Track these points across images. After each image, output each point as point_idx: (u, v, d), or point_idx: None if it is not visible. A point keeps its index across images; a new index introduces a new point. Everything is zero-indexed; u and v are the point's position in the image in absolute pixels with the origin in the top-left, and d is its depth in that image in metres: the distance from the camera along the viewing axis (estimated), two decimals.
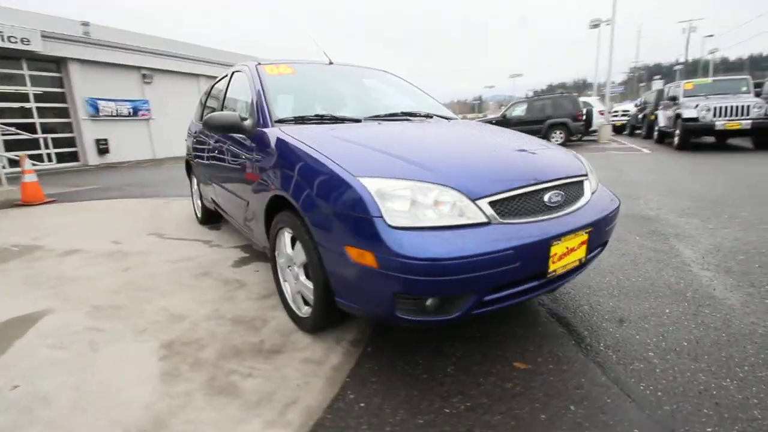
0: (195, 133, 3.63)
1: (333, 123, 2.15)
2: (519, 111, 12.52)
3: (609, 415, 1.29)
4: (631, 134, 15.14)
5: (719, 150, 8.70)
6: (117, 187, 7.36)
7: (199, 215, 4.01)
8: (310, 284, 1.73)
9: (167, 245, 3.36)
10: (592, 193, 1.80)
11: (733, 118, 8.23)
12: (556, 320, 1.91)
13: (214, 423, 1.33)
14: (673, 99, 10.00)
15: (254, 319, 2.02)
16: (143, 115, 15.36)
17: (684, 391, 1.39)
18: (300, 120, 2.16)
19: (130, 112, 14.86)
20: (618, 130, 16.79)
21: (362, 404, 1.40)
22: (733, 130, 8.21)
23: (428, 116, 2.53)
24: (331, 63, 2.91)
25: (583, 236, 1.59)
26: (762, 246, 2.72)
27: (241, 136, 2.31)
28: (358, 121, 2.23)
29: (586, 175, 1.83)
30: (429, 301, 1.37)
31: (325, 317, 1.72)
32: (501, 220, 1.42)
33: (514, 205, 1.49)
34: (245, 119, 2.26)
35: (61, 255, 3.19)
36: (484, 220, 1.40)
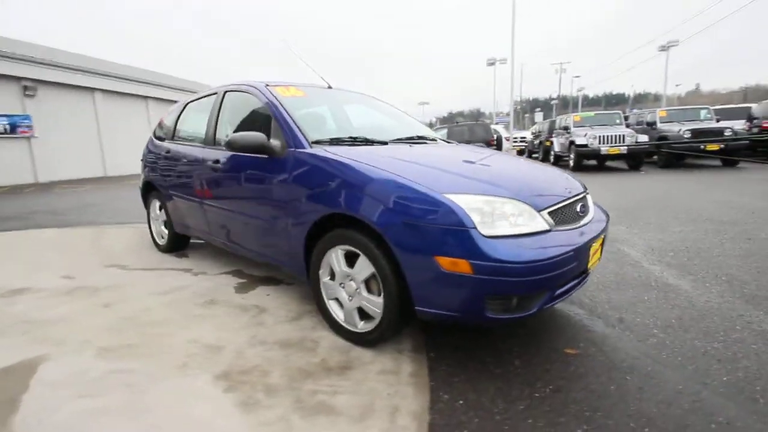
0: (164, 154, 3.36)
1: (365, 145, 2.26)
2: (440, 135, 13.58)
3: (656, 378, 1.61)
4: (529, 157, 17.42)
5: (602, 170, 10.51)
6: (18, 215, 6.19)
7: (162, 242, 3.66)
8: (376, 298, 1.80)
9: (139, 277, 3.02)
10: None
11: (613, 144, 10.09)
12: (572, 313, 2.23)
13: None
14: (566, 128, 11.92)
15: (302, 341, 1.99)
16: (23, 132, 13.14)
17: (693, 355, 1.78)
18: (336, 141, 2.22)
19: (6, 129, 12.59)
20: (518, 153, 19.18)
21: (460, 401, 1.52)
22: (614, 154, 10.07)
23: (434, 140, 2.77)
24: (330, 87, 3.00)
25: (601, 239, 1.95)
26: (680, 244, 3.47)
27: (263, 156, 2.27)
28: (385, 143, 2.37)
29: (587, 190, 2.22)
30: (514, 300, 1.56)
31: (394, 328, 1.79)
32: (557, 228, 1.69)
33: (561, 215, 1.77)
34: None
35: (5, 296, 2.67)
36: (547, 228, 1.65)
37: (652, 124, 11.65)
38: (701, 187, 6.72)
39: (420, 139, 2.63)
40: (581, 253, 1.70)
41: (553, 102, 53.58)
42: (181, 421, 1.44)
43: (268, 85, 2.58)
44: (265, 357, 1.85)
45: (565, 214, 1.80)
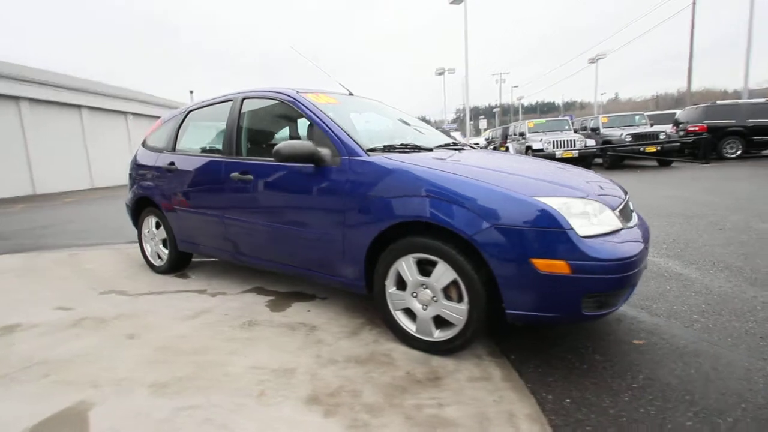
0: (165, 166, 3.08)
1: (416, 151, 2.25)
2: None
3: (723, 359, 1.74)
4: None
5: None
6: None
7: (159, 263, 3.34)
8: (457, 305, 1.78)
9: (148, 302, 2.73)
10: None
11: (566, 148, 10.87)
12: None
13: None
14: (522, 134, 12.65)
15: (372, 356, 1.91)
16: None
17: (738, 335, 1.95)
18: (389, 148, 2.19)
19: None
20: None
21: (567, 400, 1.54)
22: (567, 157, 10.83)
23: (464, 146, 2.81)
24: (351, 94, 2.95)
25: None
26: (667, 237, 3.80)
27: (307, 166, 2.18)
28: (431, 149, 2.37)
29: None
30: (606, 297, 1.62)
31: (479, 333, 1.78)
32: (625, 226, 1.79)
33: (624, 214, 1.88)
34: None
35: None
36: (620, 226, 1.75)
37: (595, 129, 12.71)
38: (647, 186, 7.43)
39: (454, 146, 2.67)
40: (646, 249, 1.81)
41: (495, 110, 56.64)
42: None
43: (299, 92, 2.48)
44: (344, 376, 1.75)
45: (625, 213, 1.92)
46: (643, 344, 1.91)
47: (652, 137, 11.05)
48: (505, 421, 1.44)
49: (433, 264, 1.83)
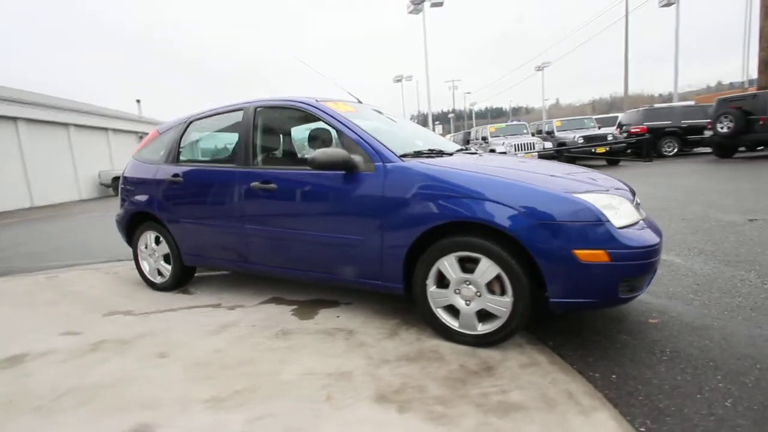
0: (169, 178, 2.97)
1: (440, 156, 2.36)
2: None
3: (726, 330, 1.99)
4: None
5: None
6: None
7: (161, 280, 3.20)
8: (501, 298, 1.91)
9: (162, 320, 2.62)
10: None
11: (527, 150, 11.52)
12: None
13: (559, 425, 1.41)
14: (484, 138, 13.24)
15: (421, 353, 1.99)
16: None
17: (732, 308, 2.22)
18: (418, 154, 2.28)
19: None
20: None
21: (613, 376, 1.71)
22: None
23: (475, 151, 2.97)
24: (360, 102, 3.02)
25: None
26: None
27: (338, 173, 2.23)
28: (451, 154, 2.50)
29: None
30: (636, 282, 1.81)
31: (523, 323, 1.92)
32: (641, 217, 2.01)
33: (636, 207, 2.11)
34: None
35: (3, 366, 2.11)
36: (639, 218, 1.96)
37: (550, 133, 13.57)
38: None
39: (467, 150, 2.81)
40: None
41: (449, 116, 58.53)
42: None
43: (318, 101, 2.52)
44: (402, 374, 1.82)
45: (637, 206, 2.14)
46: (658, 323, 2.14)
47: (601, 139, 11.98)
48: (567, 399, 1.58)
49: (474, 261, 1.95)
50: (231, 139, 2.88)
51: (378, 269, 2.20)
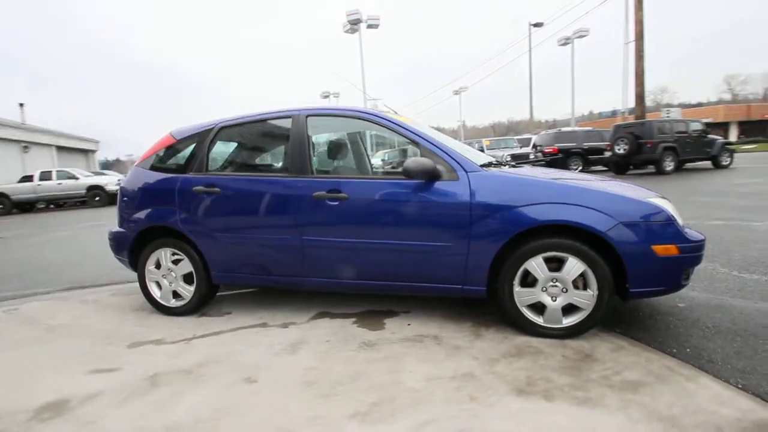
0: (202, 189, 2.68)
1: (504, 167, 2.56)
2: None
3: (737, 306, 2.48)
4: None
5: None
6: None
7: (180, 303, 2.84)
8: (584, 293, 2.14)
9: (212, 346, 2.36)
10: None
11: (520, 162, 12.54)
12: None
13: (682, 392, 1.64)
14: (482, 149, 14.10)
15: (520, 350, 2.12)
16: None
17: (727, 289, 2.76)
18: (488, 165, 2.44)
19: None
20: None
21: (687, 350, 2.02)
22: None
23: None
24: (396, 113, 3.09)
25: None
26: None
27: (416, 182, 2.29)
28: (505, 165, 2.71)
29: None
30: (691, 270, 2.19)
31: (606, 314, 2.16)
32: None
33: None
34: None
35: (46, 418, 1.71)
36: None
37: (482, 150, 14.87)
38: None
39: (509, 162, 3.06)
40: None
41: (373, 133, 60.20)
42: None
43: (383, 113, 2.56)
44: (520, 369, 1.92)
45: None
46: (685, 306, 2.57)
47: (524, 157, 13.50)
48: (670, 372, 1.84)
49: (557, 260, 2.16)
50: (274, 148, 2.74)
51: (461, 274, 2.30)
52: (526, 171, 2.46)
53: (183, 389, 1.89)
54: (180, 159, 2.90)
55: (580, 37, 21.18)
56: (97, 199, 15.66)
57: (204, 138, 2.84)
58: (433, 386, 1.82)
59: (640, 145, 11.77)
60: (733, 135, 32.37)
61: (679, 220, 2.18)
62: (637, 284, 2.10)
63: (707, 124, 14.10)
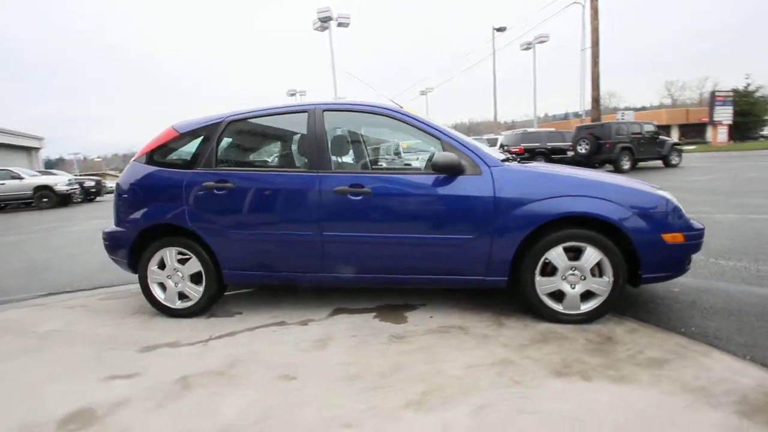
0: (212, 184, 2.57)
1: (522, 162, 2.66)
2: None
3: (722, 289, 2.72)
4: None
5: None
6: None
7: (186, 304, 2.71)
8: (600, 279, 2.28)
9: (232, 346, 2.28)
10: None
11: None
12: None
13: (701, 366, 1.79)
14: (397, 153, 14.11)
15: (545, 335, 2.22)
16: None
17: (710, 274, 3.03)
18: (506, 160, 2.52)
19: None
20: None
21: (693, 328, 2.20)
22: None
23: None
24: (401, 108, 3.12)
25: None
26: None
27: (439, 176, 2.34)
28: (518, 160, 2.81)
29: None
30: (692, 256, 2.38)
31: (620, 298, 2.30)
32: None
33: None
34: None
35: (80, 427, 1.59)
36: None
37: None
38: None
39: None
40: None
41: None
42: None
43: (400, 107, 2.59)
44: (552, 353, 2.01)
45: None
46: (679, 290, 2.79)
47: None
48: (685, 349, 2.00)
49: (575, 250, 2.28)
50: (289, 142, 2.68)
51: (484, 265, 2.37)
52: (542, 165, 2.57)
53: (221, 390, 1.82)
54: (185, 154, 2.77)
55: (541, 42, 22.31)
56: (45, 200, 14.48)
57: (212, 132, 2.73)
58: (475, 373, 1.86)
59: (600, 146, 12.52)
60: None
61: (684, 210, 2.37)
62: (649, 270, 2.26)
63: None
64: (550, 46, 23.37)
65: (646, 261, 2.25)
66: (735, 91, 28.11)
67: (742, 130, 29.03)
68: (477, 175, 2.35)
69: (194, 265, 2.69)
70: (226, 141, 2.75)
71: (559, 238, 2.27)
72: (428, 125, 2.50)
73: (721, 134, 25.55)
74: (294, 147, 2.75)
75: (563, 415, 1.54)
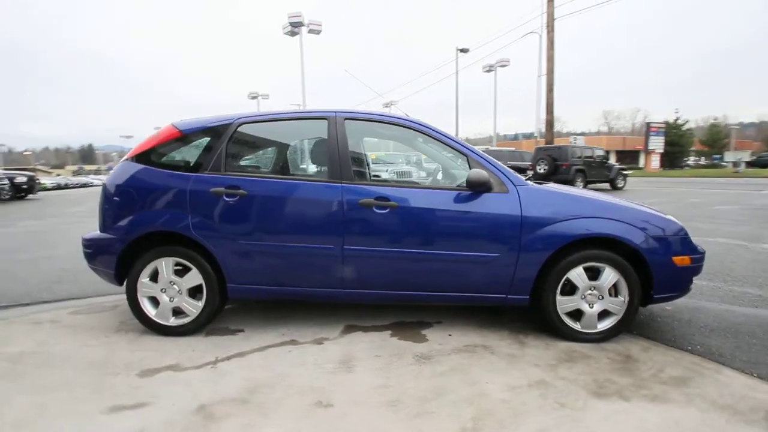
0: (222, 190, 2.37)
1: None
2: None
3: (710, 307, 2.93)
4: None
5: None
6: None
7: (182, 321, 2.46)
8: (616, 299, 2.36)
9: (253, 368, 2.08)
10: None
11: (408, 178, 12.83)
12: None
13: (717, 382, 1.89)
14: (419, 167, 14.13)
15: (569, 355, 2.25)
16: None
17: (693, 294, 3.27)
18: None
19: None
20: None
21: (699, 347, 2.34)
22: None
23: None
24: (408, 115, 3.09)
25: None
26: None
27: (466, 193, 2.34)
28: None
29: None
30: (695, 277, 2.53)
31: (633, 319, 2.40)
32: None
33: None
34: None
35: None
36: None
37: (419, 164, 15.41)
38: None
39: None
40: None
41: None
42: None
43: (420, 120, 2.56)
44: (580, 373, 2.04)
45: None
46: (672, 309, 2.96)
47: None
48: (700, 367, 2.11)
49: (592, 270, 2.36)
50: (306, 149, 2.55)
51: (507, 283, 2.37)
52: (560, 186, 2.65)
53: (251, 422, 1.64)
54: (188, 155, 2.54)
55: (503, 66, 23.57)
56: None
57: (220, 134, 2.52)
58: (519, 395, 1.84)
59: (557, 167, 13.32)
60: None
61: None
62: (660, 291, 2.38)
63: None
64: (503, 70, 24.83)
65: (658, 282, 2.36)
66: (666, 123, 31.29)
67: (671, 159, 32.30)
68: (504, 194, 2.36)
69: (194, 278, 2.45)
70: (235, 144, 2.55)
71: (581, 258, 2.33)
72: (456, 141, 2.49)
73: (654, 161, 28.24)
74: (311, 155, 2.62)
75: None
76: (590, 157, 13.78)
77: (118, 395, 1.84)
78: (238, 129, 2.55)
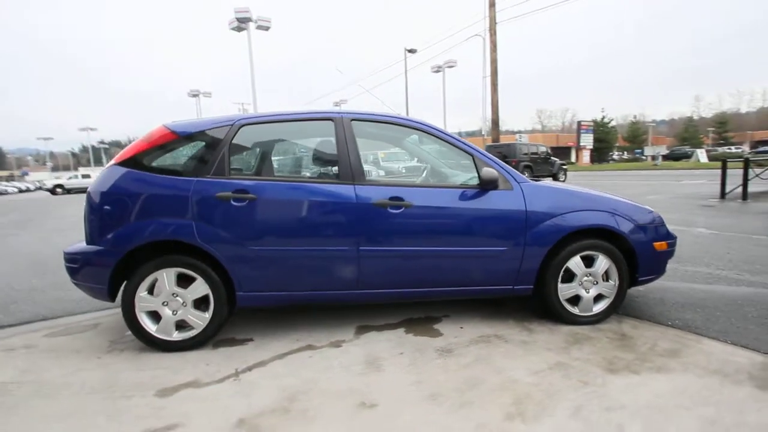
0: (230, 194, 2.26)
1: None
2: None
3: (692, 289, 3.31)
4: None
5: None
6: None
7: (185, 335, 2.31)
8: (608, 283, 2.59)
9: (278, 377, 2.02)
10: None
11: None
12: None
13: (702, 352, 2.15)
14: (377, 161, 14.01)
15: (575, 338, 2.43)
16: None
17: (673, 278, 3.65)
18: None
19: None
20: None
21: (677, 321, 2.64)
22: None
23: None
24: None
25: None
26: None
27: (475, 190, 2.44)
28: None
29: None
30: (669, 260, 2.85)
31: (622, 301, 2.64)
32: None
33: None
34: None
35: None
36: None
37: (376, 162, 15.51)
38: None
39: None
40: None
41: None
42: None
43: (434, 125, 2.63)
44: (590, 353, 2.22)
45: None
46: (644, 289, 3.29)
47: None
48: (683, 339, 2.38)
49: (587, 258, 2.57)
50: (313, 151, 2.50)
51: (514, 275, 2.51)
52: (555, 183, 2.84)
53: (302, 428, 1.61)
54: (186, 159, 2.39)
55: (450, 66, 24.45)
56: None
57: (220, 136, 2.40)
58: (545, 378, 1.96)
59: (507, 163, 14.10)
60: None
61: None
62: (643, 273, 2.65)
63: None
64: (451, 71, 25.81)
65: (642, 266, 2.63)
66: (594, 121, 34.24)
67: (599, 154, 35.40)
68: (509, 191, 2.50)
69: (200, 288, 2.32)
70: (238, 147, 2.45)
71: (579, 248, 2.53)
72: (462, 142, 2.58)
73: (586, 157, 30.77)
74: (319, 156, 2.58)
75: (647, 406, 1.72)
76: (536, 153, 14.74)
77: (143, 417, 1.70)
78: (239, 131, 2.45)
